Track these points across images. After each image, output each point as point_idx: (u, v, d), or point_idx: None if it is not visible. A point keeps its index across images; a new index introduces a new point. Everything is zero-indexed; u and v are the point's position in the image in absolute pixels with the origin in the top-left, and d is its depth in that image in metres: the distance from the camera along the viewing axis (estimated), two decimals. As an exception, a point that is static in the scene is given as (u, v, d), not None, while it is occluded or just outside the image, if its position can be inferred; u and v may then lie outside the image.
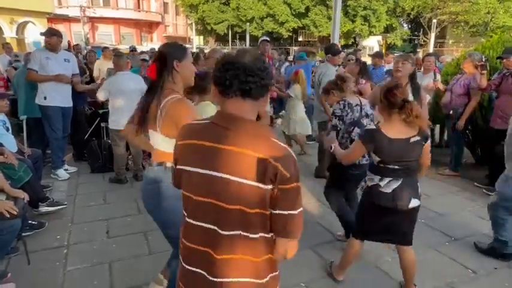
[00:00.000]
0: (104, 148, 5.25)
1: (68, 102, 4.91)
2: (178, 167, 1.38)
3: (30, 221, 3.43)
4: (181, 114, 1.92)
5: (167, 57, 2.02)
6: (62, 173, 4.95)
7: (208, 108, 2.84)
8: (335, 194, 3.30)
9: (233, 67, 1.22)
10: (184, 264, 1.39)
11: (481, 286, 2.83)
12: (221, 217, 1.26)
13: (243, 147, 1.22)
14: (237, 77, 1.22)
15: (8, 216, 2.55)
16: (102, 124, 5.54)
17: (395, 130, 2.34)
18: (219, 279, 1.29)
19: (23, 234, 3.04)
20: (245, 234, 1.26)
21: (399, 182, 2.40)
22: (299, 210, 1.27)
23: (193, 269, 1.35)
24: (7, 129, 3.98)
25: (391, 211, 2.43)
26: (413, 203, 2.44)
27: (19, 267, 2.90)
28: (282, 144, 1.27)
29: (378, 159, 2.41)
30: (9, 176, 3.23)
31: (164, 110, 1.97)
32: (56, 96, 4.72)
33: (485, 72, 4.42)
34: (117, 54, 5.03)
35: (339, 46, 6.41)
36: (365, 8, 27.50)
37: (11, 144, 3.84)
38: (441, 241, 3.45)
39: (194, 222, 1.33)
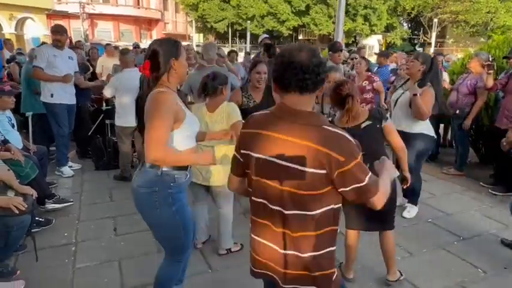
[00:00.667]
0: (108, 145, 5.23)
1: (72, 100, 4.92)
2: (245, 151, 1.48)
3: (37, 218, 3.41)
4: (151, 105, 1.83)
5: (163, 55, 1.91)
6: (66, 170, 4.93)
7: (230, 108, 2.83)
8: None
9: (291, 66, 1.31)
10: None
11: (491, 286, 2.83)
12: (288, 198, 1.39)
13: (297, 137, 1.34)
14: (295, 75, 1.32)
15: (17, 212, 2.53)
16: (107, 121, 5.51)
17: (344, 120, 2.45)
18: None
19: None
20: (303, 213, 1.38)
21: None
22: (365, 181, 1.36)
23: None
24: (12, 126, 3.96)
25: None
26: None
27: (27, 264, 2.88)
28: (333, 129, 1.36)
29: None
30: (16, 173, 3.21)
31: (146, 105, 1.89)
32: (63, 94, 4.73)
33: (492, 71, 4.42)
34: (123, 51, 5.01)
35: (342, 44, 6.40)
36: (365, 7, 27.49)
37: (16, 140, 3.82)
38: (449, 240, 3.45)
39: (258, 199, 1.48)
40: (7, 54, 8.74)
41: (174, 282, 2.25)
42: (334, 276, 1.49)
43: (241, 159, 1.51)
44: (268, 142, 1.39)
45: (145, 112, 1.87)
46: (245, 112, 2.83)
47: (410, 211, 3.87)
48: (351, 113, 2.42)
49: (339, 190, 1.37)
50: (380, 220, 2.58)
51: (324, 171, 1.32)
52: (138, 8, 35.99)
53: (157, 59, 1.91)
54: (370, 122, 2.44)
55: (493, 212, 4.09)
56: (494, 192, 4.55)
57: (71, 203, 3.92)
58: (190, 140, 2.04)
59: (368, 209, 2.25)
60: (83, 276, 2.80)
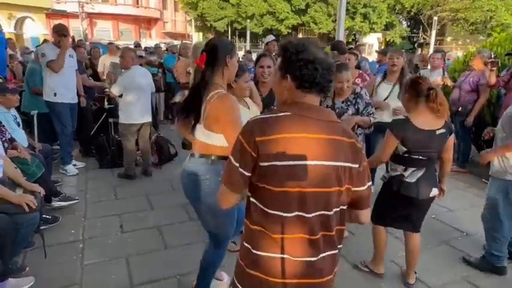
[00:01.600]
0: (112, 144, 5.25)
1: (74, 99, 4.95)
2: (275, 163, 1.24)
3: (44, 216, 3.42)
4: (223, 110, 1.95)
5: (219, 51, 2.03)
6: (70, 168, 4.95)
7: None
8: None
9: (323, 67, 1.27)
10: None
11: (496, 281, 2.86)
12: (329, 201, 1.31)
13: (336, 134, 1.29)
14: (323, 77, 1.29)
15: (28, 210, 2.55)
16: (110, 120, 5.52)
17: (422, 120, 2.40)
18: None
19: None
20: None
21: (422, 172, 2.47)
22: (369, 183, 1.38)
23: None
24: (18, 125, 3.97)
25: (412, 200, 2.50)
26: (434, 192, 2.53)
27: (36, 261, 2.89)
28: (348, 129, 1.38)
29: (404, 149, 2.45)
30: (23, 171, 3.22)
31: (209, 105, 1.98)
32: (66, 93, 4.74)
33: (495, 68, 4.44)
34: (125, 49, 5.02)
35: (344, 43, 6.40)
36: (365, 6, 27.49)
37: (22, 139, 3.83)
38: (454, 236, 3.48)
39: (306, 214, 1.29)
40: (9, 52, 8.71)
41: (217, 268, 2.39)
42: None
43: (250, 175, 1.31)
44: (311, 144, 1.25)
45: (213, 112, 1.96)
46: None
47: None
48: (441, 107, 2.33)
49: (354, 189, 1.34)
50: (415, 223, 2.63)
51: (356, 165, 1.32)
52: (137, 7, 35.96)
53: (214, 54, 2.02)
54: (444, 131, 2.42)
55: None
56: (496, 189, 4.56)
57: (77, 201, 3.94)
58: None
59: (402, 207, 2.37)
60: (91, 273, 2.82)
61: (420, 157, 2.44)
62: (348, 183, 1.32)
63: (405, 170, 2.49)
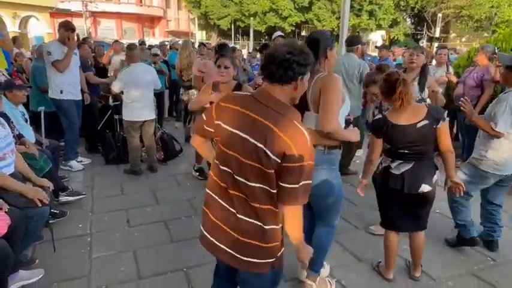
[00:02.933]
0: (117, 140, 5.29)
1: (79, 96, 4.99)
2: (218, 122, 1.56)
3: (52, 210, 3.47)
4: (328, 87, 2.07)
5: (320, 43, 2.17)
6: (74, 164, 4.99)
7: None
8: None
9: (271, 59, 1.47)
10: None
11: (501, 273, 2.87)
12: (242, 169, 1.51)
13: (268, 120, 1.44)
14: (275, 68, 1.46)
15: (40, 205, 2.59)
16: (116, 116, 5.57)
17: (399, 115, 2.38)
18: None
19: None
20: (263, 186, 1.49)
21: (409, 166, 2.43)
22: (299, 184, 1.45)
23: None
24: (26, 121, 4.01)
25: (399, 195, 2.47)
26: (424, 188, 2.43)
27: (45, 254, 2.94)
28: (301, 128, 1.45)
29: (387, 146, 2.49)
30: (31, 166, 3.26)
31: (316, 85, 2.10)
32: (71, 90, 4.79)
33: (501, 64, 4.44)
34: (129, 47, 5.05)
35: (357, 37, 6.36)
36: (371, 3, 27.39)
37: (30, 135, 3.87)
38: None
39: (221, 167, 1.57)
40: (15, 51, 8.78)
41: (329, 248, 2.54)
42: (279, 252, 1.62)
43: (210, 128, 1.60)
44: (239, 117, 1.50)
45: (319, 90, 2.08)
46: None
47: None
48: (406, 97, 2.29)
49: (277, 181, 1.47)
50: (417, 221, 2.61)
51: (274, 157, 1.42)
52: (141, 5, 36.03)
53: (316, 46, 2.14)
54: (427, 122, 2.35)
55: (506, 205, 4.09)
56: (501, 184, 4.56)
57: (84, 196, 3.98)
58: (343, 121, 2.26)
59: (393, 203, 2.40)
60: (99, 266, 2.86)
61: (406, 151, 2.41)
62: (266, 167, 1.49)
63: (392, 161, 2.50)
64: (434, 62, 5.82)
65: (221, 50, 5.04)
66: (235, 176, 1.52)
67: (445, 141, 2.44)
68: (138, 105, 4.68)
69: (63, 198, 3.82)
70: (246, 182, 1.49)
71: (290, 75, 1.46)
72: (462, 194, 2.63)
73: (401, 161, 2.45)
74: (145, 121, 4.79)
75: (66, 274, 2.74)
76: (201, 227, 1.77)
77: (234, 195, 1.54)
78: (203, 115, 1.66)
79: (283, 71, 1.45)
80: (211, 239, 1.66)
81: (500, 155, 2.86)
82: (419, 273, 2.76)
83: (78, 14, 29.47)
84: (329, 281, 2.62)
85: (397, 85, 2.30)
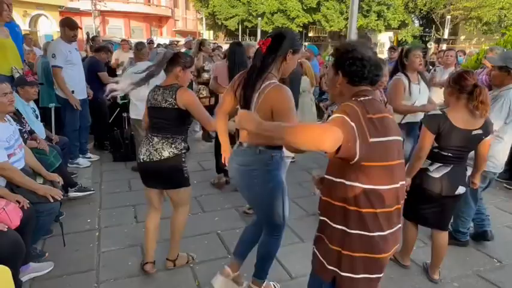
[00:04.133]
0: (126, 138, 5.35)
1: (85, 94, 5.05)
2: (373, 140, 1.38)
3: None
4: (281, 100, 1.94)
5: (285, 41, 1.98)
6: (81, 160, 5.04)
7: None
8: None
9: (370, 64, 1.47)
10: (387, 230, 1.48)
11: (506, 274, 2.87)
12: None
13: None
14: (370, 71, 1.48)
15: (52, 201, 2.64)
16: (124, 114, 5.63)
17: (460, 118, 2.34)
18: None
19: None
20: None
21: (449, 168, 2.43)
22: None
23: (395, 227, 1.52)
24: (36, 117, 4.08)
25: (435, 196, 2.47)
26: (460, 190, 2.47)
27: (54, 248, 2.99)
28: None
29: (435, 144, 2.41)
30: (42, 161, 3.32)
31: (263, 94, 1.95)
32: (79, 89, 4.86)
33: None
34: (138, 46, 5.11)
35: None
36: (379, 3, 27.29)
37: (40, 131, 3.94)
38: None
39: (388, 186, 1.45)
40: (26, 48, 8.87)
41: (273, 257, 2.41)
42: None
43: (357, 149, 1.35)
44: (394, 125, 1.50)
45: (269, 105, 1.94)
46: None
47: None
48: (481, 105, 2.24)
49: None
50: (444, 220, 2.61)
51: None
52: (149, 5, 36.19)
53: (279, 42, 1.98)
54: (481, 132, 2.36)
55: (508, 205, 4.13)
56: (509, 187, 4.57)
57: (92, 192, 4.04)
58: None
59: (425, 202, 2.49)
60: (107, 259, 2.91)
61: (450, 154, 2.40)
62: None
63: (431, 164, 2.46)
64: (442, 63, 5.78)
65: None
66: None
67: (486, 149, 2.51)
68: (143, 104, 4.70)
69: (72, 193, 3.88)
70: None
71: (379, 74, 1.56)
72: None
73: (441, 164, 2.44)
74: None
75: (76, 267, 2.79)
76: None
77: None
78: None
79: (378, 72, 1.55)
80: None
81: (496, 154, 2.94)
82: (438, 276, 2.73)
83: (87, 13, 29.72)
84: (274, 285, 2.57)
85: (478, 91, 2.26)
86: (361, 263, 1.46)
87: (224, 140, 2.39)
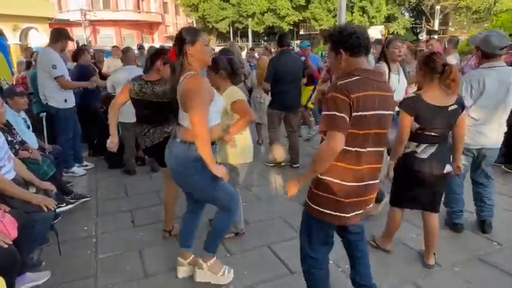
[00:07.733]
0: (120, 144, 5.30)
1: (74, 102, 4.99)
2: (358, 113, 1.70)
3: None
4: (191, 87, 2.09)
5: (182, 41, 2.16)
6: (76, 169, 5.01)
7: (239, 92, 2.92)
8: None
9: (362, 35, 1.78)
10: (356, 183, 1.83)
11: (507, 257, 2.86)
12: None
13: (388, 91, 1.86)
14: (364, 40, 1.79)
15: (46, 210, 2.61)
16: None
17: (435, 97, 2.43)
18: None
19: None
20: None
21: (434, 148, 2.50)
22: None
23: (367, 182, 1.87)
24: (28, 127, 4.05)
25: (425, 177, 2.52)
26: (447, 168, 2.55)
27: (51, 256, 2.95)
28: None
29: (417, 125, 2.48)
30: (34, 171, 3.29)
31: (180, 87, 2.15)
32: (71, 98, 4.84)
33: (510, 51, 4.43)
34: (124, 50, 5.12)
35: None
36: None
37: (32, 141, 3.91)
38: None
39: (365, 149, 1.79)
40: (24, 60, 8.80)
41: (226, 231, 2.62)
42: None
43: (347, 118, 1.69)
44: (380, 100, 1.76)
45: (183, 93, 2.12)
46: None
47: None
48: (453, 83, 2.34)
49: None
50: (433, 200, 2.64)
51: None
52: (139, 12, 36.19)
53: (179, 45, 2.17)
54: (456, 107, 2.45)
55: (506, 189, 4.13)
56: (508, 170, 4.59)
57: (89, 199, 4.01)
58: (217, 115, 2.35)
59: (417, 184, 2.56)
60: (105, 266, 2.88)
61: (433, 133, 2.48)
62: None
63: (417, 146, 2.53)
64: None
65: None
66: None
67: (463, 126, 2.62)
68: (129, 107, 4.67)
69: (64, 208, 3.80)
70: None
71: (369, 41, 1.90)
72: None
73: (427, 144, 2.51)
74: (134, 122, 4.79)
75: (73, 275, 2.76)
76: None
77: None
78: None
79: (367, 41, 1.84)
80: None
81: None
82: (433, 261, 2.74)
83: (77, 24, 29.70)
84: (226, 268, 2.63)
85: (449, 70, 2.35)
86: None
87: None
